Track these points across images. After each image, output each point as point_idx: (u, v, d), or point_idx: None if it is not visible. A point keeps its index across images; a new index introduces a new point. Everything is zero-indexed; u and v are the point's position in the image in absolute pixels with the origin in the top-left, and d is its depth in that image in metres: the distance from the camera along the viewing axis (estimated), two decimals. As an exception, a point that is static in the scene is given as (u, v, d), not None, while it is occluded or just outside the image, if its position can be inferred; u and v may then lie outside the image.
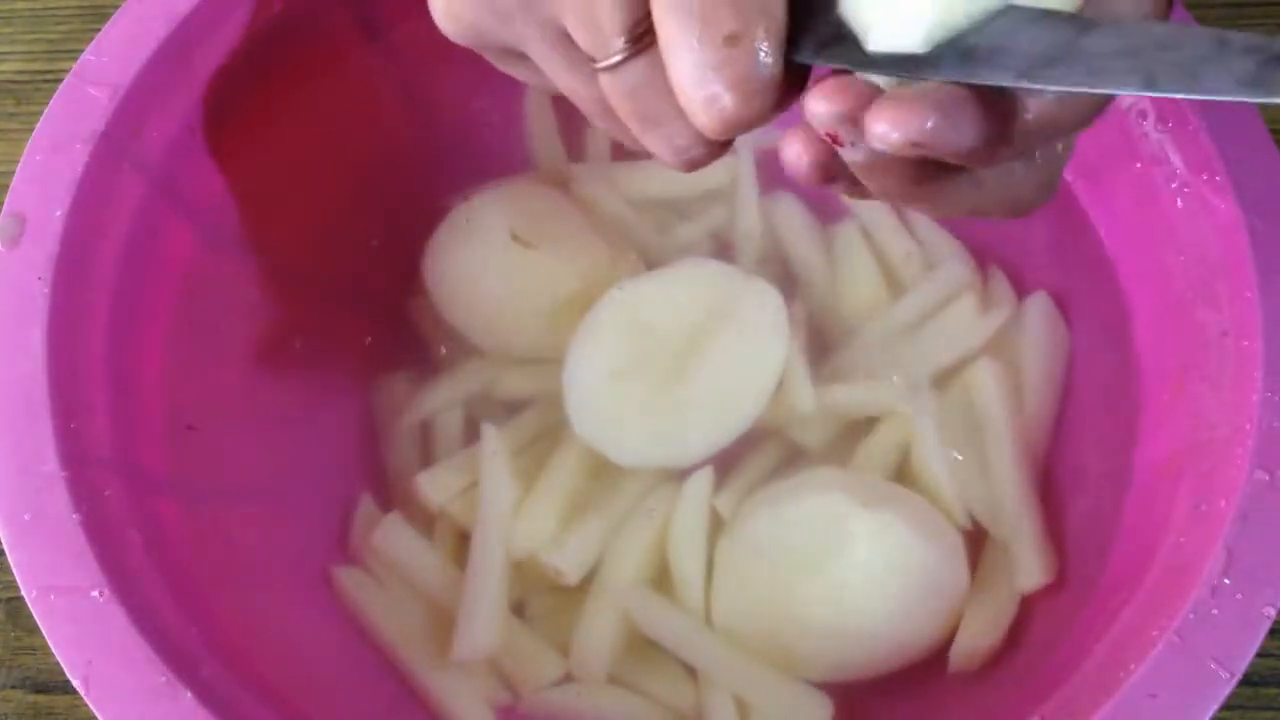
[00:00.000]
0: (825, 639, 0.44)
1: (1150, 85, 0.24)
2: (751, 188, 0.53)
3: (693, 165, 0.31)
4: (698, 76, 0.27)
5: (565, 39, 0.30)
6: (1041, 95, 0.26)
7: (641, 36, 0.28)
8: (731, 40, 0.26)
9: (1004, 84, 0.25)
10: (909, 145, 0.25)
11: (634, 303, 0.48)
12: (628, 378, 0.46)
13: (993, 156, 0.27)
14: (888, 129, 0.25)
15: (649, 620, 0.45)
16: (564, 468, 0.47)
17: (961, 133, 0.25)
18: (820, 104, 0.26)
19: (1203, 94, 0.24)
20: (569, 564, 0.46)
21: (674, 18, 0.27)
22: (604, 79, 0.30)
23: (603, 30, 0.29)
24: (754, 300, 0.48)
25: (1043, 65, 0.25)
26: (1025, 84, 0.25)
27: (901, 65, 0.26)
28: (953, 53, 0.26)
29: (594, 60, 0.29)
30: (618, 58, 0.29)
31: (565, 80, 0.32)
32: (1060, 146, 0.30)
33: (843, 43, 0.27)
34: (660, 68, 0.28)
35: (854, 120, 0.26)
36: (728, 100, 0.27)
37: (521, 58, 0.33)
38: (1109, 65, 0.24)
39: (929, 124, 0.25)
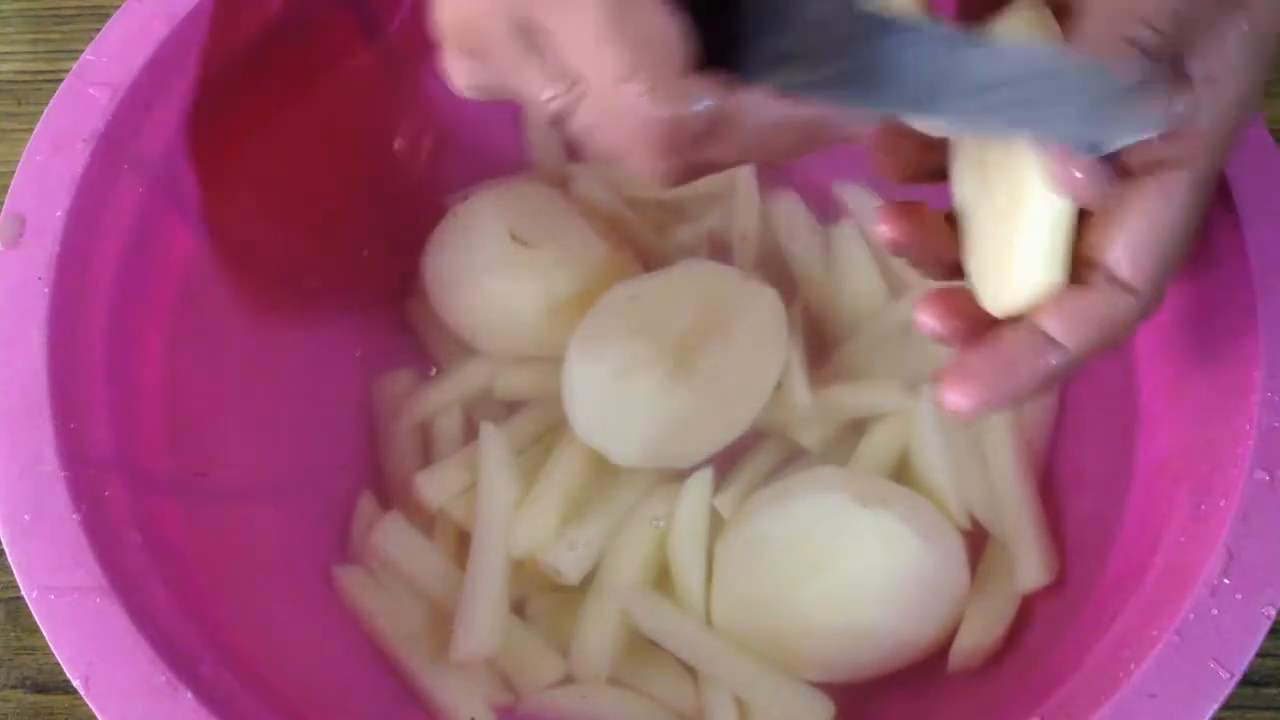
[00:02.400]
0: (825, 639, 0.44)
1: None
2: (751, 188, 0.53)
3: (666, 185, 0.32)
4: (609, 125, 0.29)
5: (544, 63, 0.31)
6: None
7: (569, 87, 0.30)
8: (625, 77, 0.28)
9: (899, 111, 0.29)
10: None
11: (633, 303, 0.48)
12: (627, 378, 0.46)
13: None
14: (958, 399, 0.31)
15: (649, 620, 0.45)
16: (564, 467, 0.47)
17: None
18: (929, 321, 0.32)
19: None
20: (569, 564, 0.46)
21: (578, 68, 0.29)
22: (567, 103, 0.31)
23: (535, 95, 0.31)
24: (752, 301, 0.48)
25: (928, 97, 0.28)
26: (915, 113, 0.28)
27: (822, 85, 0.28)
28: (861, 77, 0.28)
29: (544, 117, 0.31)
30: (557, 113, 0.31)
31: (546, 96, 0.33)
32: None
33: (784, 65, 0.29)
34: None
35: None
36: (642, 132, 0.29)
37: (510, 79, 0.33)
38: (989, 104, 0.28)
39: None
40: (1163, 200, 0.30)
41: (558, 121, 0.31)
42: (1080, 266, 0.31)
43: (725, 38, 0.29)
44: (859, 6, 0.28)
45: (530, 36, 0.30)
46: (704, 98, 0.28)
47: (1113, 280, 0.30)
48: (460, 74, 0.33)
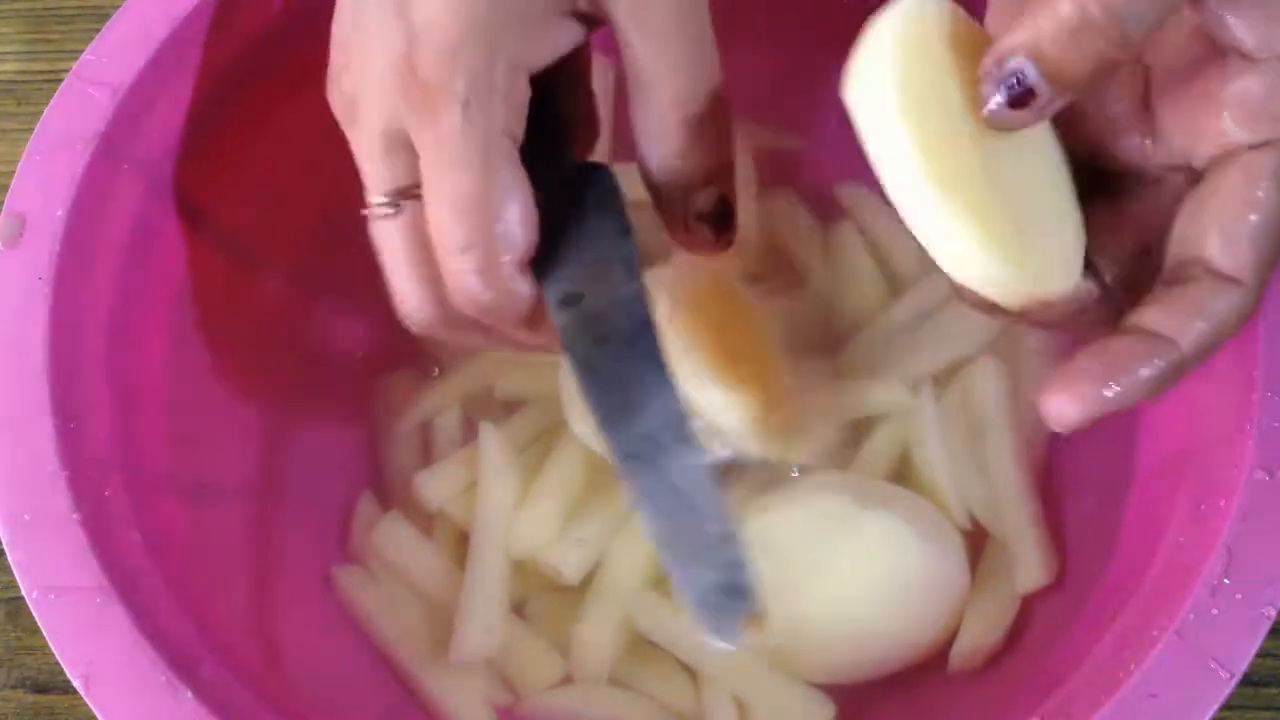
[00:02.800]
0: (826, 640, 0.44)
1: None
2: (750, 186, 0.53)
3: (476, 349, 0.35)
4: (446, 272, 0.33)
5: None
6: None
7: (402, 196, 0.34)
8: (462, 249, 0.31)
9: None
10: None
11: None
12: None
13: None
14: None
15: (649, 621, 0.45)
16: (563, 467, 0.47)
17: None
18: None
19: None
20: (569, 564, 0.46)
21: (427, 204, 0.32)
22: (372, 224, 0.35)
23: (369, 185, 0.35)
24: (746, 292, 0.48)
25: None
26: None
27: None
28: None
29: (367, 201, 0.35)
30: (381, 213, 0.35)
31: None
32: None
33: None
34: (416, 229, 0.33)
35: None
36: (467, 299, 0.32)
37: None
38: None
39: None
40: (1250, 183, 0.29)
41: (373, 217, 0.34)
42: (1180, 264, 0.31)
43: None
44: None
45: (395, 143, 0.33)
46: (522, 300, 0.32)
47: (1213, 273, 0.30)
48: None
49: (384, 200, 0.33)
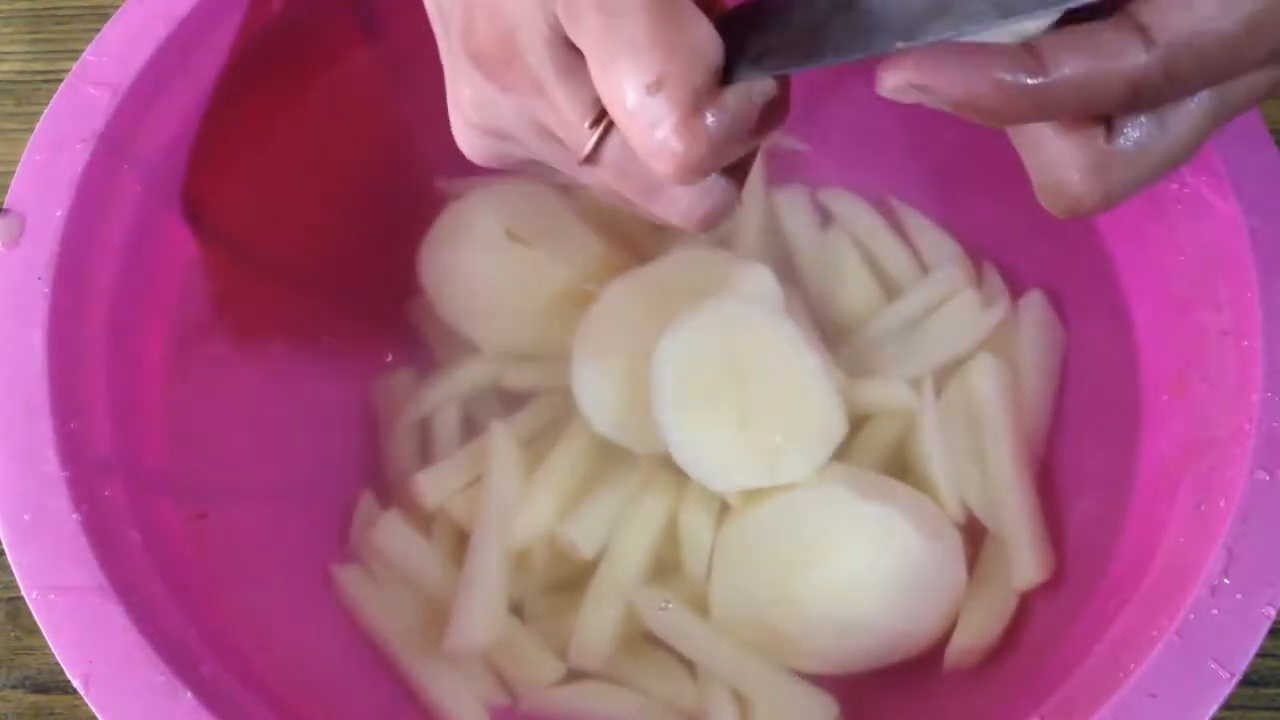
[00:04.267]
0: (821, 630, 0.44)
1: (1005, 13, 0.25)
2: (759, 183, 0.53)
3: (706, 223, 0.31)
4: (640, 134, 0.27)
5: (558, 140, 0.31)
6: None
7: (603, 115, 0.29)
8: (654, 87, 0.27)
9: (889, 50, 0.26)
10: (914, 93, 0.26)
11: (636, 293, 0.48)
12: (638, 368, 0.46)
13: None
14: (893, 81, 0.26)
15: (651, 612, 0.45)
16: (567, 460, 0.47)
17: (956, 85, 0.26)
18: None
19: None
20: (583, 535, 0.45)
21: (603, 87, 0.27)
22: (596, 166, 0.30)
23: (570, 123, 0.30)
24: (747, 277, 0.48)
25: (920, 21, 0.26)
26: (905, 44, 0.26)
27: (809, 53, 0.27)
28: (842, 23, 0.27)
29: (579, 155, 0.30)
30: (591, 143, 0.30)
31: (579, 175, 0.33)
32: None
33: (784, 50, 0.27)
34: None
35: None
36: (674, 145, 0.27)
37: (538, 166, 0.34)
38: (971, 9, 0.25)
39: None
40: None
41: (588, 161, 0.30)
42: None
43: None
44: None
45: (567, 57, 0.29)
46: (729, 108, 0.27)
47: (1127, 18, 0.26)
48: (477, 144, 0.33)
49: (592, 125, 0.29)
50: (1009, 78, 0.25)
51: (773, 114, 0.28)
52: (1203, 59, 0.26)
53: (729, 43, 0.28)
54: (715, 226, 0.31)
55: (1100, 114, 0.27)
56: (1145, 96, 0.26)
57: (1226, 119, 0.28)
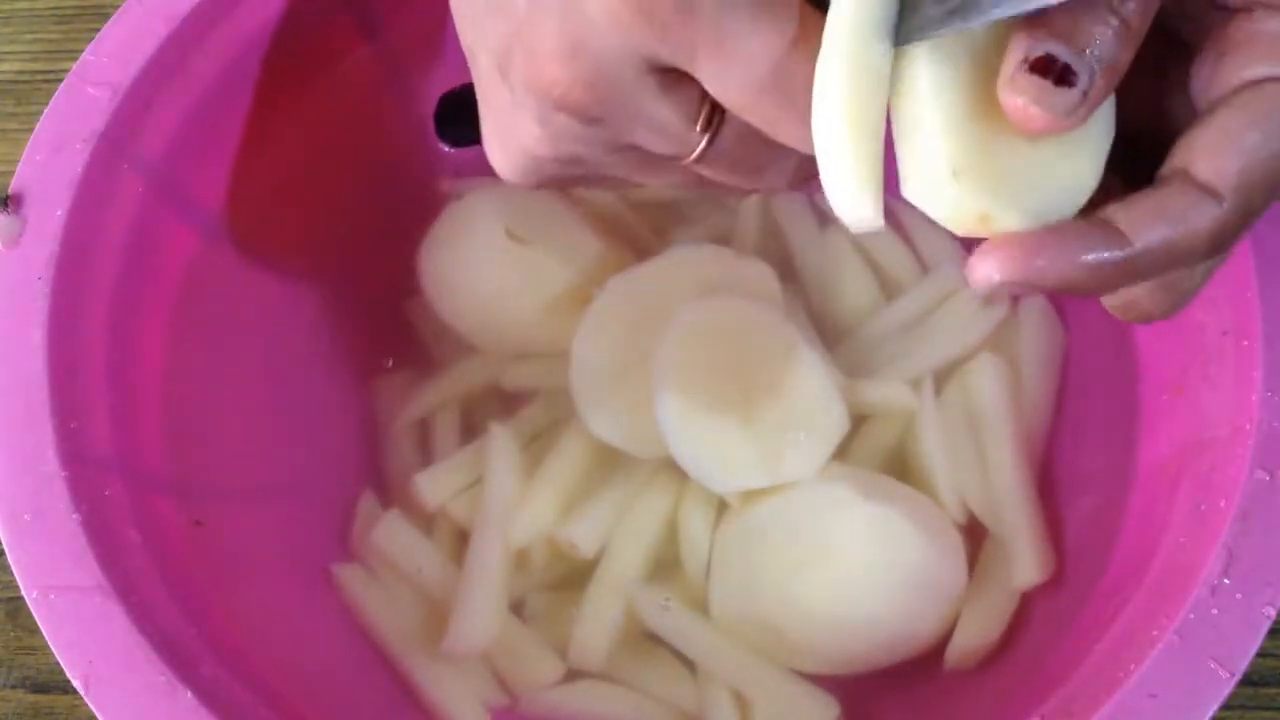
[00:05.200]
0: (821, 629, 0.44)
1: None
2: None
3: (805, 180, 0.32)
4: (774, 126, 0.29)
5: (643, 154, 0.32)
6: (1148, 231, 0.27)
7: (711, 118, 0.30)
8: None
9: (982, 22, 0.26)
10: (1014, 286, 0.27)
11: (635, 292, 0.48)
12: (636, 368, 0.46)
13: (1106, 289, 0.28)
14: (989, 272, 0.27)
15: (651, 611, 0.45)
16: (567, 460, 0.47)
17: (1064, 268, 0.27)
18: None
19: None
20: (583, 536, 0.45)
21: (725, 94, 0.29)
22: (699, 166, 0.32)
23: (677, 136, 0.31)
24: (748, 275, 0.48)
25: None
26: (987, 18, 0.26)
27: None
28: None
29: (681, 158, 0.32)
30: (702, 146, 0.31)
31: (649, 177, 0.34)
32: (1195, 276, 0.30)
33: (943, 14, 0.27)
34: (744, 126, 0.30)
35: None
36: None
37: (604, 179, 0.35)
38: None
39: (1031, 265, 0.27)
40: (1259, 103, 0.27)
41: (701, 160, 0.31)
42: (1165, 175, 0.28)
43: None
44: None
45: (661, 79, 0.30)
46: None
47: (1192, 181, 0.27)
48: (528, 173, 0.34)
49: (700, 134, 0.31)
50: (1097, 259, 0.27)
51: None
52: (1267, 185, 0.27)
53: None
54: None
55: (1186, 268, 0.28)
56: (1227, 242, 0.27)
57: None
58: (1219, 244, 0.27)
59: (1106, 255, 0.27)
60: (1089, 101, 0.26)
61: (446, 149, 0.41)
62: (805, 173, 0.32)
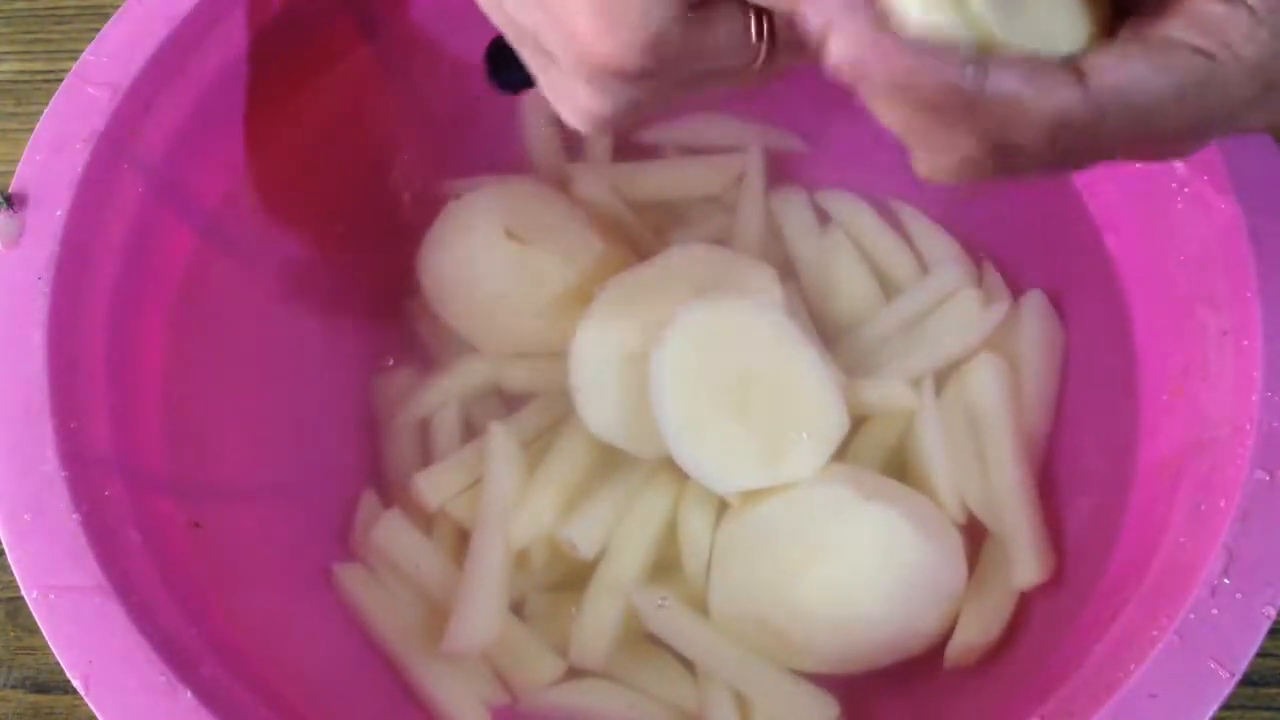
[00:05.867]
0: (820, 629, 0.44)
1: None
2: (759, 182, 0.53)
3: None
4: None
5: (713, 72, 0.31)
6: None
7: (761, 23, 0.30)
8: None
9: None
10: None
11: (635, 292, 0.48)
12: (636, 369, 0.46)
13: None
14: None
15: (651, 612, 0.45)
16: (567, 460, 0.47)
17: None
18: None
19: None
20: (583, 536, 0.45)
21: None
22: (769, 67, 0.31)
23: (737, 54, 0.30)
24: (749, 276, 0.48)
25: None
26: None
27: None
28: None
29: (749, 68, 0.31)
30: (764, 51, 0.30)
31: (732, 82, 0.33)
32: None
33: None
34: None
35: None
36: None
37: (683, 96, 0.34)
38: None
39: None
40: (1160, 54, 0.27)
41: (768, 62, 0.31)
42: None
43: None
44: None
45: (693, 17, 0.29)
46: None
47: (1070, 65, 0.27)
48: (608, 121, 0.33)
49: (758, 41, 0.30)
50: (947, 75, 0.26)
51: None
52: (1132, 114, 0.27)
53: None
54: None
55: (1019, 144, 0.28)
56: (1070, 136, 0.27)
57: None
58: (1061, 130, 0.27)
59: (954, 78, 0.26)
60: None
61: (501, 92, 0.40)
62: (863, 34, 0.29)
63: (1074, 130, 0.27)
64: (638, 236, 0.53)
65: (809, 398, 0.45)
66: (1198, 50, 0.27)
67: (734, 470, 0.44)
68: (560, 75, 0.33)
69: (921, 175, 0.30)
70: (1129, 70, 0.27)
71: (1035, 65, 0.27)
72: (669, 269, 0.48)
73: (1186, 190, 0.40)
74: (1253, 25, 0.27)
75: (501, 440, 0.47)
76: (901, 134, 0.29)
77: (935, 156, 0.29)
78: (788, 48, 0.31)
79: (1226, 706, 0.33)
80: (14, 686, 0.49)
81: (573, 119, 0.34)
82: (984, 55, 0.27)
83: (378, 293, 0.53)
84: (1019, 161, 0.29)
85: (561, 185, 0.52)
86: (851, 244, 0.53)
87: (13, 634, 0.49)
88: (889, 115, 0.28)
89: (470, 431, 0.51)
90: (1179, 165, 0.40)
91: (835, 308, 0.52)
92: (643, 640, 0.47)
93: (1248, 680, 0.34)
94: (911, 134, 0.29)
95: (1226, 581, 0.34)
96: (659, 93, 0.32)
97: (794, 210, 0.53)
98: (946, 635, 0.45)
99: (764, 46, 0.30)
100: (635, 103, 0.32)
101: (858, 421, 0.48)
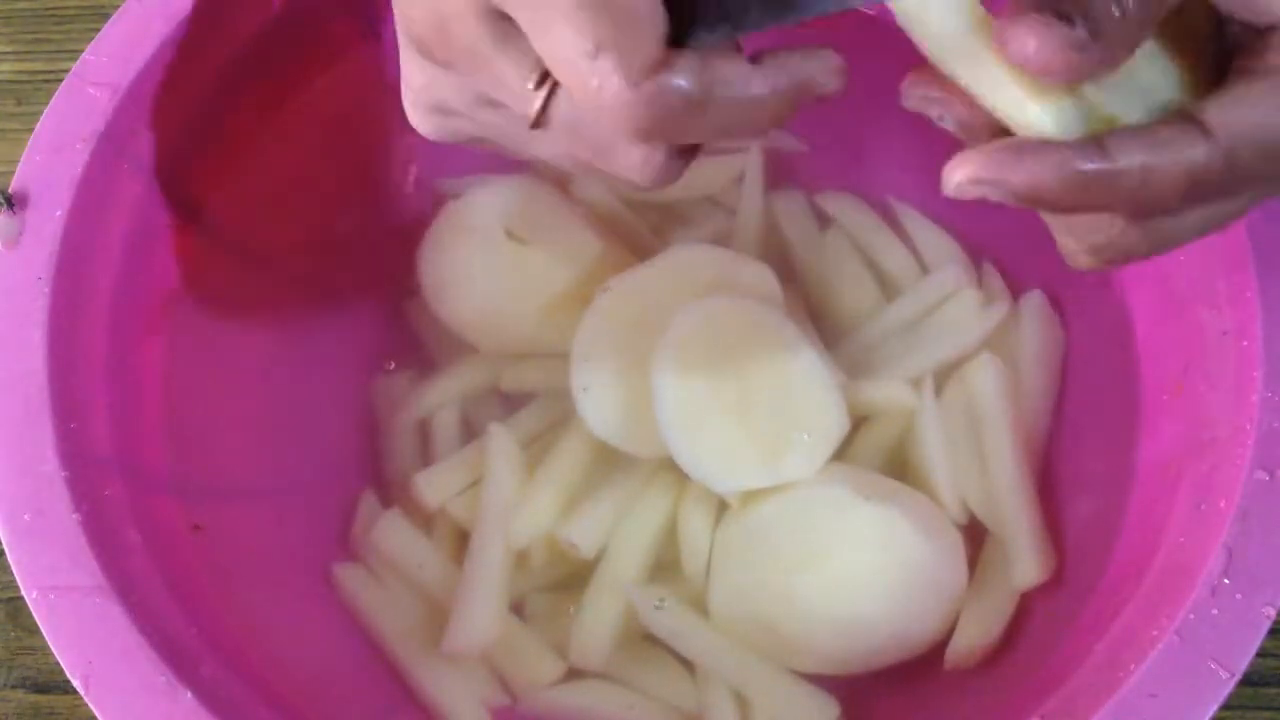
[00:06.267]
0: (821, 629, 0.44)
1: None
2: (758, 183, 0.53)
3: (663, 175, 0.30)
4: (587, 98, 0.27)
5: (506, 109, 0.31)
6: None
7: (547, 75, 0.29)
8: (593, 54, 0.26)
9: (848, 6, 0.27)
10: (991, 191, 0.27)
11: (634, 292, 0.48)
12: (636, 369, 0.46)
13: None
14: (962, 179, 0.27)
15: (650, 612, 0.45)
16: (567, 460, 0.47)
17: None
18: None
19: None
20: (584, 536, 0.45)
21: (545, 54, 0.27)
22: (547, 130, 0.30)
23: (513, 87, 0.29)
24: (748, 277, 0.48)
25: None
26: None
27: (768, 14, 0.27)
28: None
29: (528, 119, 0.30)
30: (538, 104, 0.29)
31: (531, 148, 0.32)
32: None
33: (727, 19, 0.28)
34: None
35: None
36: (622, 105, 0.27)
37: (494, 141, 0.34)
38: None
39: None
40: (1274, 83, 0.27)
41: (537, 125, 0.30)
42: None
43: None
44: None
45: (501, 28, 0.29)
46: (681, 70, 0.27)
47: (1189, 116, 0.27)
48: (427, 121, 0.33)
49: (536, 87, 0.29)
50: (1072, 166, 0.26)
51: (758, 110, 0.28)
52: (1263, 153, 0.27)
53: (683, 8, 0.28)
54: (671, 183, 0.31)
55: (1161, 208, 0.28)
56: (1206, 188, 0.27)
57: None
58: (1197, 185, 0.27)
59: (1079, 166, 0.26)
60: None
61: None
62: (657, 167, 0.30)
63: (1211, 184, 0.27)
64: (638, 236, 0.53)
65: (809, 398, 0.45)
66: None
67: (734, 470, 0.44)
68: (401, 49, 0.33)
69: (1082, 267, 0.31)
70: (1250, 111, 0.27)
71: (1154, 130, 0.27)
72: (669, 269, 0.48)
73: (1186, 190, 0.40)
74: None
75: (501, 440, 0.47)
76: (1054, 229, 0.30)
77: (1088, 239, 0.30)
78: (564, 125, 0.30)
79: (1226, 706, 0.33)
80: (14, 686, 0.49)
81: (407, 108, 0.34)
82: (1097, 135, 0.27)
83: (378, 293, 0.53)
84: (1166, 229, 0.29)
85: (561, 185, 0.52)
86: (851, 244, 0.53)
87: (13, 634, 0.49)
88: (1044, 214, 0.29)
89: (470, 431, 0.51)
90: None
91: (835, 308, 0.52)
92: (642, 640, 0.47)
93: (1248, 680, 0.34)
94: (1060, 227, 0.30)
95: (1226, 581, 0.34)
96: (461, 96, 0.31)
97: (794, 210, 0.53)
98: (946, 635, 0.45)
99: (538, 101, 0.29)
100: (443, 100, 0.32)
101: (858, 421, 0.48)
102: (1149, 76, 0.29)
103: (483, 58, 0.29)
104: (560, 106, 0.29)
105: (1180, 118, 0.27)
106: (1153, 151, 0.27)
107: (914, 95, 0.29)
